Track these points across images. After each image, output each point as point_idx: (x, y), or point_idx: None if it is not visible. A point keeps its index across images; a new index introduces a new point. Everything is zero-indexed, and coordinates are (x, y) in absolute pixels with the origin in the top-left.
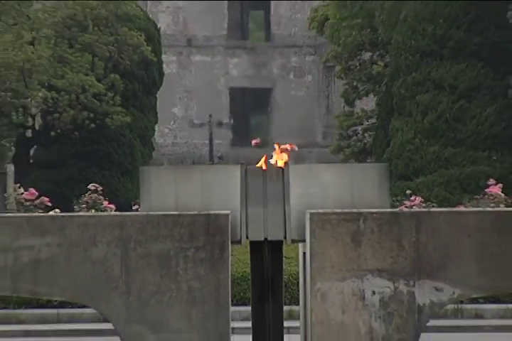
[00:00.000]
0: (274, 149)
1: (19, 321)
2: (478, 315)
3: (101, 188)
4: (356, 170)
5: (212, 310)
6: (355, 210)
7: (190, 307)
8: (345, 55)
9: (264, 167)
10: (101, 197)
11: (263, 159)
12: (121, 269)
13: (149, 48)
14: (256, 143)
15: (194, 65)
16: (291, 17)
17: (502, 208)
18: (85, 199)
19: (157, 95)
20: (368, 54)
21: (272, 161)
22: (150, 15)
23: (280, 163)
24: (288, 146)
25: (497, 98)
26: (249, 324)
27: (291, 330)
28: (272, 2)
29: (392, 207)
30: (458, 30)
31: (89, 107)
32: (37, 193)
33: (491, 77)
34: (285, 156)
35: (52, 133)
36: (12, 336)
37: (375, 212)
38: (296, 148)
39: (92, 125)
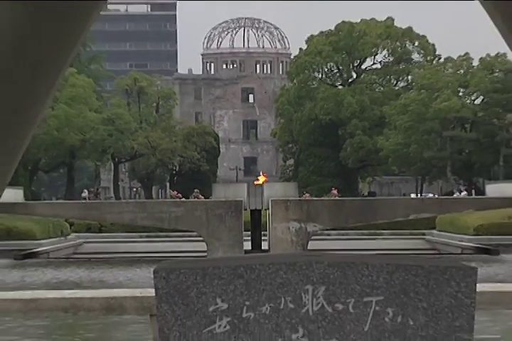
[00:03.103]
0: (260, 176)
1: (170, 237)
2: (328, 234)
3: (199, 191)
4: (287, 185)
5: (237, 233)
6: (286, 198)
7: (230, 231)
8: (283, 145)
9: (256, 183)
10: (199, 195)
11: (255, 181)
12: (206, 219)
13: (215, 143)
14: (258, 180)
15: (230, 149)
16: (265, 132)
17: (337, 198)
18: (193, 194)
19: (218, 159)
20: (290, 145)
21: (259, 181)
22: (217, 132)
23: (262, 181)
24: (264, 175)
25: (334, 161)
26: (249, 238)
27: (264, 240)
28: (258, 126)
29: (300, 197)
30: (321, 137)
31: (195, 163)
32: (177, 192)
33: (331, 157)
34: (264, 179)
35: (182, 172)
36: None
37: (293, 199)
38: (262, 179)
39: (196, 169)
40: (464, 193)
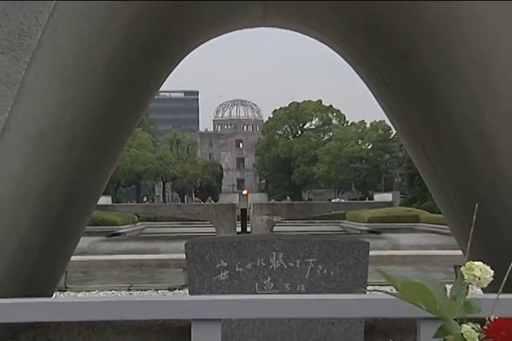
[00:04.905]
0: (243, 190)
1: (195, 224)
2: (285, 223)
3: (211, 198)
4: (261, 195)
5: (232, 222)
6: (261, 202)
7: (228, 221)
8: (259, 172)
9: (244, 193)
10: (211, 200)
11: (243, 191)
12: (215, 214)
13: (220, 170)
14: (244, 191)
15: (229, 174)
16: (249, 164)
17: (290, 202)
18: (208, 200)
19: (222, 180)
20: (263, 172)
21: (244, 193)
22: (221, 164)
23: (246, 192)
24: (246, 190)
25: (288, 181)
26: (239, 225)
27: (248, 226)
28: (245, 161)
29: (268, 201)
30: (280, 167)
31: (209, 182)
32: (199, 198)
33: (286, 178)
34: (246, 192)
35: (202, 187)
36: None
37: (265, 203)
38: (246, 191)
39: (209, 186)
40: (338, 199)
